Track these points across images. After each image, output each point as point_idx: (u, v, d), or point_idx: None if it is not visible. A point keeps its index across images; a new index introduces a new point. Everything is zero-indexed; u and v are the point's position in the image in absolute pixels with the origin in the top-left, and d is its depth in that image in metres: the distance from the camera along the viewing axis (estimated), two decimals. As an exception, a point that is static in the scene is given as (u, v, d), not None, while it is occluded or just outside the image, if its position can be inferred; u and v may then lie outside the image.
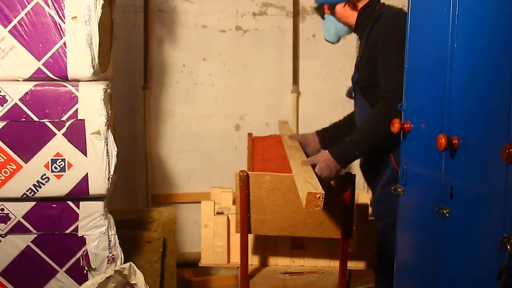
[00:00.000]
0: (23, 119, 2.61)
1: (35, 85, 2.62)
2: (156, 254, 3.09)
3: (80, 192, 2.67)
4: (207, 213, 2.82)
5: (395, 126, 2.25)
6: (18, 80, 2.63)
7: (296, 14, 4.23)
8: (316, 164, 2.46)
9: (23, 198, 2.66)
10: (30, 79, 2.63)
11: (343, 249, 2.58)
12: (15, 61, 2.60)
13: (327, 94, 4.29)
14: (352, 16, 2.72)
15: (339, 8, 2.72)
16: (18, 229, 2.69)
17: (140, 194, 4.10)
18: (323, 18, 2.81)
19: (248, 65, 4.22)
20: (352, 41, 4.13)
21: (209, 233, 2.82)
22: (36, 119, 2.62)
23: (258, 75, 4.24)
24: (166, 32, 4.10)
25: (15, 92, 2.61)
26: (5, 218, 2.67)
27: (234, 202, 2.97)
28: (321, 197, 2.05)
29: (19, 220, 2.68)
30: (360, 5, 2.70)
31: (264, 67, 4.24)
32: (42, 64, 2.61)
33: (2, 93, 2.60)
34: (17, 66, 2.61)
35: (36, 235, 2.71)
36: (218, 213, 2.87)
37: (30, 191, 2.64)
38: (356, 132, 2.54)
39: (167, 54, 4.11)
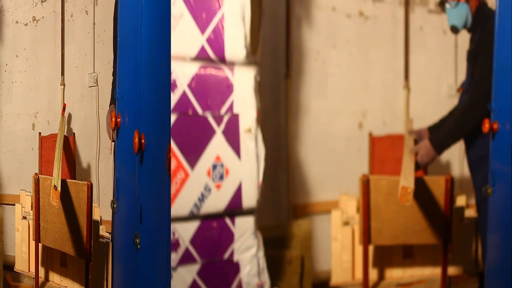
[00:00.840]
0: (190, 113, 2.17)
1: (200, 68, 2.18)
2: (296, 276, 2.75)
3: (235, 206, 2.26)
4: (336, 224, 2.66)
5: (485, 126, 2.32)
6: (185, 60, 2.18)
7: (407, 3, 3.83)
8: (418, 151, 2.70)
9: (189, 217, 2.17)
10: (195, 58, 2.21)
11: (444, 255, 2.65)
12: (183, 33, 2.17)
13: (433, 91, 3.90)
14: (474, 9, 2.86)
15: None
16: (186, 258, 2.18)
17: (282, 205, 3.31)
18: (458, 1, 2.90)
19: (369, 56, 3.68)
20: (452, 39, 3.93)
21: (338, 247, 2.66)
22: (200, 112, 2.18)
23: (376, 68, 3.77)
24: (303, 12, 3.51)
25: (184, 76, 2.17)
26: (175, 245, 2.15)
27: (357, 210, 2.80)
28: (411, 191, 2.17)
29: (187, 247, 2.16)
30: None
31: (381, 59, 3.72)
32: (206, 40, 2.22)
33: (173, 76, 2.16)
34: (185, 40, 2.19)
35: (200, 264, 2.16)
36: (345, 223, 2.71)
37: (195, 207, 2.16)
38: (448, 123, 2.76)
39: (304, 37, 3.51)
